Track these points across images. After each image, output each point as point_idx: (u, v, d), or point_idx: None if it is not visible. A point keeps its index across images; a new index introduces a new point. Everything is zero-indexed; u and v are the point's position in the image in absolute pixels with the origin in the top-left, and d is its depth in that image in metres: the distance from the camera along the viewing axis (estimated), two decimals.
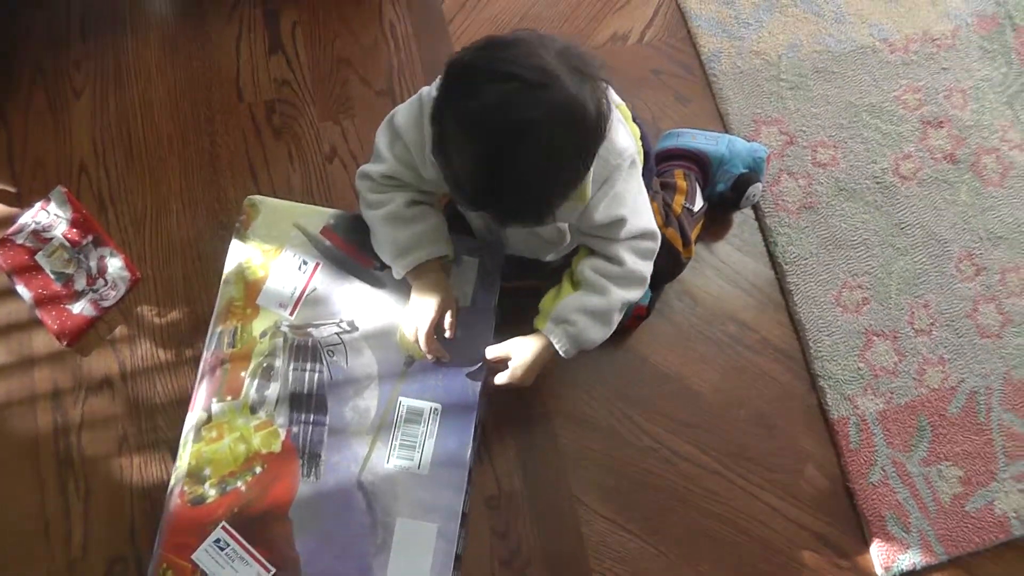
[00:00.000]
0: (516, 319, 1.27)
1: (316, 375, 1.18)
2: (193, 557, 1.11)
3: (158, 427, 1.36)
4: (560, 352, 1.20)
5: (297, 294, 1.21)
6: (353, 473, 1.15)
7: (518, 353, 1.20)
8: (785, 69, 1.69)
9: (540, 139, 0.92)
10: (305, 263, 1.22)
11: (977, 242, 1.62)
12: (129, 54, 1.60)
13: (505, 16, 1.71)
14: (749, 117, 1.65)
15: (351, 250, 1.24)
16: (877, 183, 1.63)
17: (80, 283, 1.39)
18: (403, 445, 1.16)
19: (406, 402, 1.18)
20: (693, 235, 1.46)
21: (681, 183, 1.47)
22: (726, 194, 1.52)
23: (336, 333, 1.20)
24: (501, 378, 1.21)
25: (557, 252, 1.29)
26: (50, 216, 1.42)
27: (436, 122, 0.98)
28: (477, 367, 1.21)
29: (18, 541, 1.30)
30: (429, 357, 1.19)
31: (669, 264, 1.42)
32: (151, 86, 1.58)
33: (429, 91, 1.11)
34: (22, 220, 1.42)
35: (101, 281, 1.40)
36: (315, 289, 1.21)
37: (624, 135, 1.15)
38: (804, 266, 1.56)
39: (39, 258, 1.40)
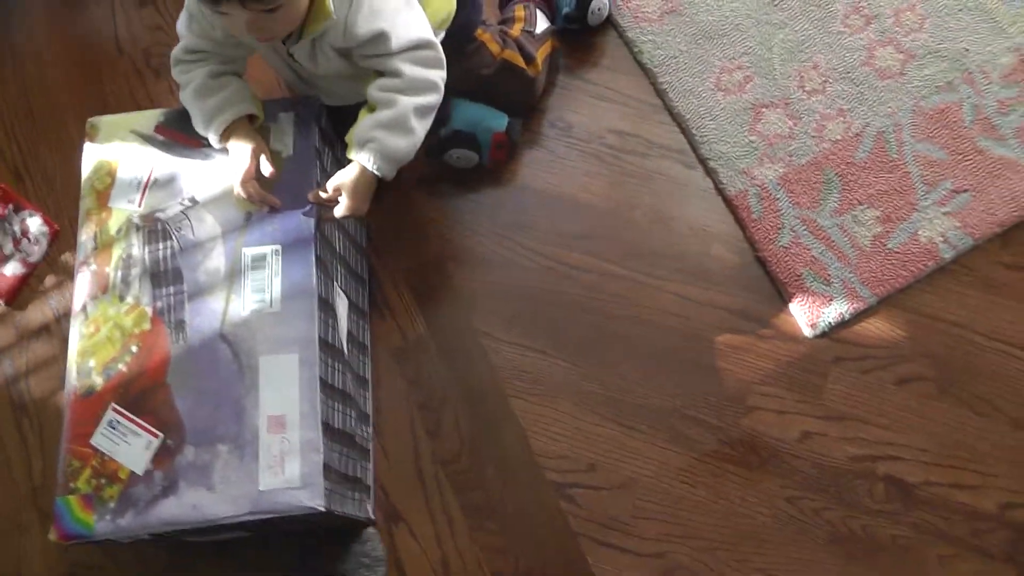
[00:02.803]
0: None
1: (168, 251, 1.29)
2: (91, 442, 1.22)
3: None
4: (375, 171, 1.27)
5: (141, 187, 1.34)
6: (215, 328, 1.24)
7: (342, 184, 1.29)
8: None
9: None
10: (144, 161, 1.36)
11: None
12: (18, 35, 1.81)
13: None
14: None
15: (181, 137, 1.37)
16: None
17: (8, 248, 1.60)
18: (254, 290, 1.25)
19: (248, 252, 1.28)
20: (539, 54, 1.52)
21: (519, 13, 1.55)
22: (572, 14, 1.57)
23: (180, 211, 1.32)
24: (339, 211, 1.30)
25: None
26: None
27: None
28: (308, 207, 1.30)
29: None
30: (261, 207, 1.30)
31: (517, 83, 1.50)
32: (43, 61, 1.78)
33: None
34: None
35: (25, 240, 1.60)
36: (156, 179, 1.34)
37: None
38: (675, 64, 1.58)
39: None
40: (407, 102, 1.25)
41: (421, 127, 1.28)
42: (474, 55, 1.45)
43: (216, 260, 1.28)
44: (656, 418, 1.37)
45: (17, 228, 1.61)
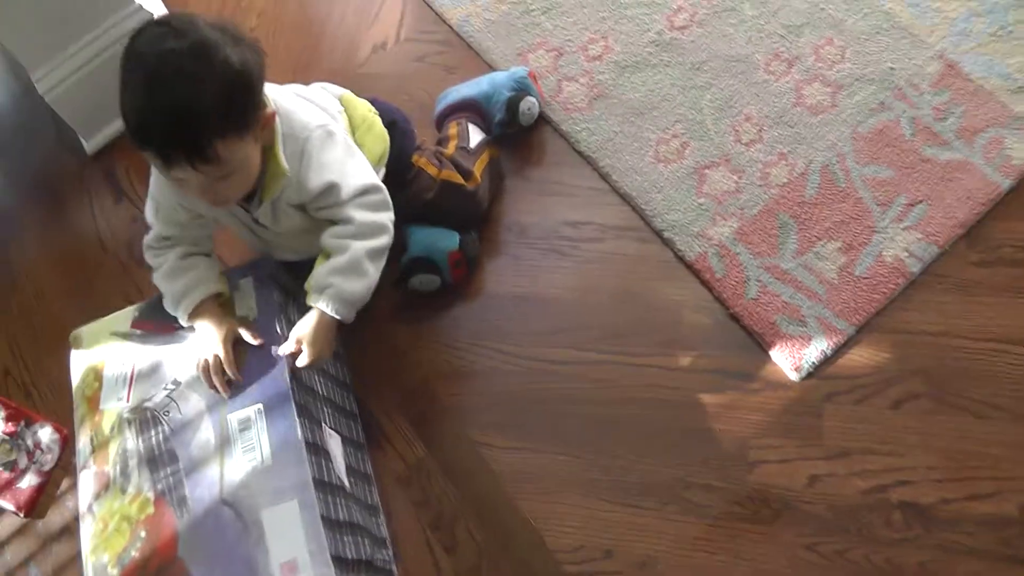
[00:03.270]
0: None
1: (160, 436, 1.35)
2: None
3: None
4: (335, 315, 1.32)
5: (127, 383, 1.41)
6: (215, 495, 1.28)
7: (302, 335, 1.34)
8: (532, 1, 1.83)
9: (185, 70, 1.14)
10: (125, 358, 1.43)
11: (778, 41, 1.66)
12: (13, 252, 1.93)
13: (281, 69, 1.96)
14: (513, 54, 1.78)
15: (156, 327, 1.44)
16: (657, 45, 1.71)
17: (23, 462, 1.66)
18: (245, 451, 1.30)
19: (233, 417, 1.32)
20: (477, 167, 1.57)
21: (452, 131, 1.62)
22: (503, 119, 1.64)
23: (166, 395, 1.38)
24: (301, 361, 1.34)
25: None
26: None
27: (122, 66, 1.19)
28: (279, 366, 1.35)
29: None
30: (221, 391, 1.33)
31: (460, 199, 1.55)
32: (37, 275, 1.89)
33: None
34: None
35: (38, 451, 1.67)
36: (139, 372, 1.41)
37: (306, 113, 1.33)
38: (612, 146, 1.63)
39: None
40: (360, 247, 1.31)
41: (375, 268, 1.34)
42: (414, 181, 1.52)
43: (205, 433, 1.33)
44: (662, 492, 1.37)
45: (30, 442, 1.68)
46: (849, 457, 1.34)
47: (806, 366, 1.39)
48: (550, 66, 1.75)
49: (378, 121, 1.47)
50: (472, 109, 1.66)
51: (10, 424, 1.69)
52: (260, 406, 1.32)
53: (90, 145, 1.97)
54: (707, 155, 1.59)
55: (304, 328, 1.33)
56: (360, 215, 1.32)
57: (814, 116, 1.58)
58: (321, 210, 1.34)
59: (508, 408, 1.49)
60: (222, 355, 1.34)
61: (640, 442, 1.41)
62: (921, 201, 1.47)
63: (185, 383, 1.38)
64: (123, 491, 1.33)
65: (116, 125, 1.96)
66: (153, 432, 1.36)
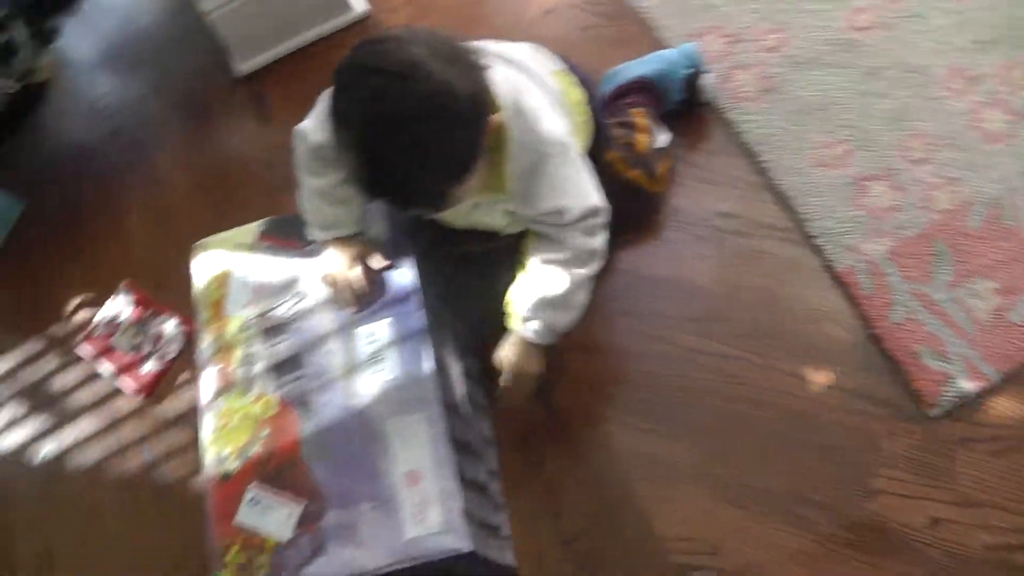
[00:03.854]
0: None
1: (286, 343, 1.41)
2: (235, 521, 1.32)
3: None
4: (539, 342, 1.34)
5: (252, 291, 1.47)
6: (341, 402, 1.34)
7: (506, 361, 1.37)
8: None
9: (407, 128, 1.03)
10: (251, 269, 1.48)
11: (963, 56, 1.62)
12: (159, 157, 2.05)
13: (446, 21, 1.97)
14: (686, 35, 1.75)
15: (285, 241, 1.49)
16: (835, 44, 1.67)
17: (147, 347, 1.75)
18: (373, 363, 1.35)
19: (362, 330, 1.38)
20: (662, 169, 1.56)
21: (640, 121, 1.57)
22: (683, 98, 1.63)
23: (292, 306, 1.43)
24: (511, 398, 1.42)
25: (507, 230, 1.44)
26: (119, 306, 1.81)
27: (332, 123, 1.11)
28: (409, 284, 1.38)
29: (132, 562, 1.62)
30: (350, 307, 1.38)
31: (637, 203, 1.55)
32: (181, 183, 2.00)
33: None
34: (98, 316, 1.83)
35: (163, 341, 1.75)
36: (265, 283, 1.47)
37: (550, 123, 1.22)
38: (775, 142, 1.62)
39: (114, 340, 1.78)
40: (574, 277, 1.29)
41: (586, 297, 1.34)
42: (600, 175, 1.39)
43: (332, 343, 1.40)
44: (777, 501, 1.38)
45: (155, 330, 1.76)
46: (978, 508, 1.32)
47: (944, 404, 1.37)
48: (723, 52, 1.72)
49: (586, 112, 1.40)
50: (647, 89, 1.62)
51: (138, 310, 1.76)
52: (390, 320, 1.37)
53: (244, 67, 2.03)
54: (870, 167, 1.56)
55: (509, 355, 1.36)
56: (576, 241, 1.28)
57: (989, 144, 1.54)
58: (536, 223, 1.30)
59: (637, 387, 1.51)
60: (352, 270, 1.37)
61: (763, 446, 1.42)
62: None
63: (312, 296, 1.43)
64: (247, 391, 1.39)
65: (273, 51, 2.04)
66: (279, 339, 1.41)
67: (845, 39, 1.67)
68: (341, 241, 1.39)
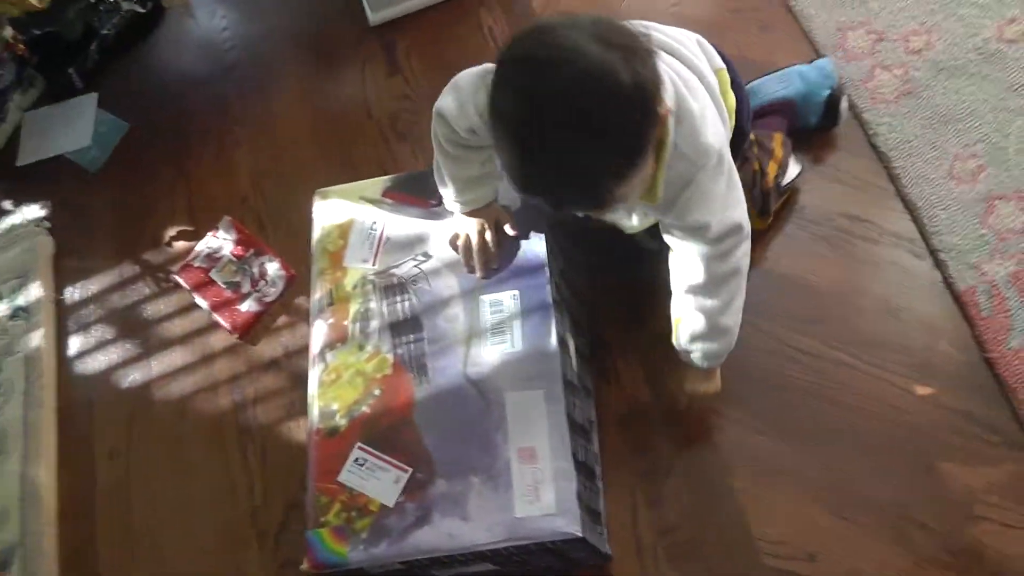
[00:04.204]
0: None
1: (407, 303, 1.41)
2: (339, 479, 1.33)
3: None
4: (708, 367, 1.35)
5: (374, 246, 1.46)
6: (459, 370, 1.34)
7: (679, 388, 1.40)
8: None
9: (568, 115, 0.95)
10: (375, 223, 1.48)
11: None
12: (275, 101, 2.03)
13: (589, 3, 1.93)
14: (833, 28, 1.73)
15: (410, 199, 1.49)
16: (980, 54, 1.63)
17: (246, 287, 1.75)
18: (494, 332, 1.35)
19: (487, 298, 1.38)
20: (775, 206, 1.54)
21: (778, 151, 1.53)
22: (822, 122, 1.59)
23: (415, 266, 1.43)
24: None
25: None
26: (219, 240, 1.81)
27: (489, 118, 1.04)
28: (539, 256, 1.38)
29: (211, 497, 1.63)
30: (478, 272, 1.38)
31: None
32: (296, 124, 1.99)
33: None
34: (197, 247, 1.83)
35: (263, 282, 1.75)
36: (388, 239, 1.46)
37: (713, 130, 1.16)
38: (909, 148, 1.59)
39: (213, 274, 1.78)
40: (713, 310, 1.26)
41: (733, 320, 1.29)
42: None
43: (455, 308, 1.39)
44: (878, 514, 1.37)
45: (256, 270, 1.76)
46: None
47: None
48: (867, 49, 1.69)
49: (733, 120, 1.34)
50: (787, 110, 1.58)
51: (240, 248, 1.76)
52: (516, 292, 1.37)
53: (375, 17, 2.01)
54: (1002, 185, 1.53)
55: (680, 381, 1.39)
56: (712, 266, 1.22)
57: None
58: (676, 230, 1.23)
59: (745, 382, 1.49)
60: (484, 237, 1.37)
61: (866, 456, 1.41)
62: None
63: (437, 257, 1.43)
64: (361, 348, 1.39)
65: (407, 4, 2.01)
66: (399, 299, 1.41)
67: (992, 49, 1.63)
68: (474, 209, 1.39)
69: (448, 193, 1.39)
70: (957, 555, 1.34)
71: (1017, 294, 1.46)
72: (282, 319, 1.75)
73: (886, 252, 1.54)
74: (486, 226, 1.39)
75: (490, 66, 1.08)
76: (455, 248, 1.40)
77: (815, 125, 1.60)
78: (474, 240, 1.37)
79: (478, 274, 1.38)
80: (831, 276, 1.54)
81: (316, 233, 1.51)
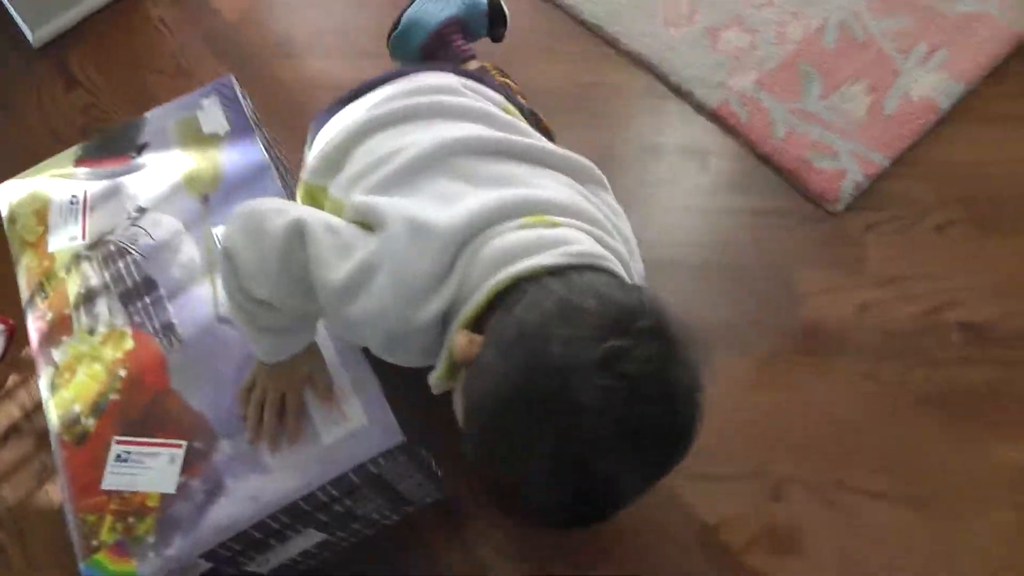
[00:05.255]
0: None
1: (130, 266, 1.23)
2: (103, 487, 1.11)
3: None
4: None
5: (80, 221, 1.29)
6: (209, 313, 1.17)
7: None
8: None
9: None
10: (74, 196, 1.31)
11: None
12: None
13: None
14: None
15: (106, 160, 1.33)
16: None
17: None
18: None
19: (219, 231, 1.23)
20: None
21: (506, 80, 1.31)
22: (493, 32, 1.46)
23: (129, 224, 1.26)
24: None
25: None
26: None
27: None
28: (264, 170, 1.26)
29: None
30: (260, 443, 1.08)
31: None
32: None
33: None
34: None
35: None
36: (94, 208, 1.29)
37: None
38: (617, 15, 1.61)
39: None
40: None
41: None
42: None
43: (188, 251, 1.21)
44: (713, 335, 1.30)
45: None
46: (896, 284, 1.32)
47: (844, 197, 1.37)
48: None
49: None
50: (459, 29, 1.43)
51: None
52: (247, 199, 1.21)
53: (37, 37, 1.85)
54: (718, 18, 1.58)
55: None
56: None
57: None
58: None
59: None
60: (283, 406, 1.08)
61: (685, 292, 1.36)
62: (941, 47, 1.48)
63: (151, 207, 1.26)
64: (91, 332, 1.18)
65: (67, 16, 1.88)
66: (121, 263, 1.22)
67: None
68: (279, 361, 1.07)
69: (260, 350, 1.05)
70: (797, 338, 1.30)
71: (768, 95, 1.49)
72: (12, 379, 1.49)
73: (630, 104, 1.53)
74: (289, 394, 1.08)
75: (301, 222, 0.88)
76: (244, 403, 1.10)
77: (487, 34, 1.47)
78: (268, 410, 1.07)
79: (260, 445, 1.09)
80: (588, 143, 1.45)
81: (7, 225, 1.32)
